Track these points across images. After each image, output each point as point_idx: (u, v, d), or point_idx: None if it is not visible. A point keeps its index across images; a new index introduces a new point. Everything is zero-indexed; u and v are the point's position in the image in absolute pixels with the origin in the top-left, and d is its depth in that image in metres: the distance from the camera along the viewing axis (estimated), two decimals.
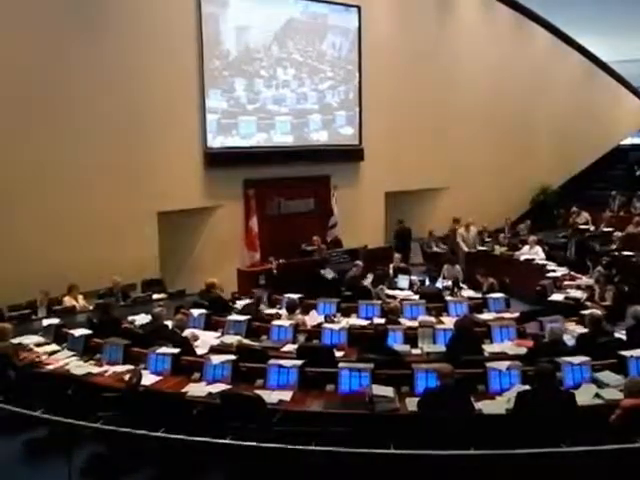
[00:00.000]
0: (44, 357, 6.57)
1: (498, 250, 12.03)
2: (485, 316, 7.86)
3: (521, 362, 5.51)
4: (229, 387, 5.58)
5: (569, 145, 17.56)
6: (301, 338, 7.12)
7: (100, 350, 6.55)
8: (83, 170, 9.98)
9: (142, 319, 8.05)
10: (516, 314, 7.78)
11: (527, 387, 5.01)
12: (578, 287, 8.89)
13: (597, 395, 5.01)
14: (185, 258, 11.82)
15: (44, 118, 9.49)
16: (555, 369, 4.94)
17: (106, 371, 6.16)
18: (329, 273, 10.74)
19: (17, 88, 9.14)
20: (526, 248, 11.50)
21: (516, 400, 4.76)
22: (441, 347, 6.52)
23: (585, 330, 6.42)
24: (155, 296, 9.60)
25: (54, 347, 6.90)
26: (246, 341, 6.98)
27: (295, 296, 8.62)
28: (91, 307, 8.87)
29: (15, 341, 6.72)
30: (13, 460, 5.26)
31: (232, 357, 5.93)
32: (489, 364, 5.42)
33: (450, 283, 9.67)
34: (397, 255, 11.18)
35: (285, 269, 11.14)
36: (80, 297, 9.13)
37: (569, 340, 6.26)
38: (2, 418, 5.49)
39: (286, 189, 12.68)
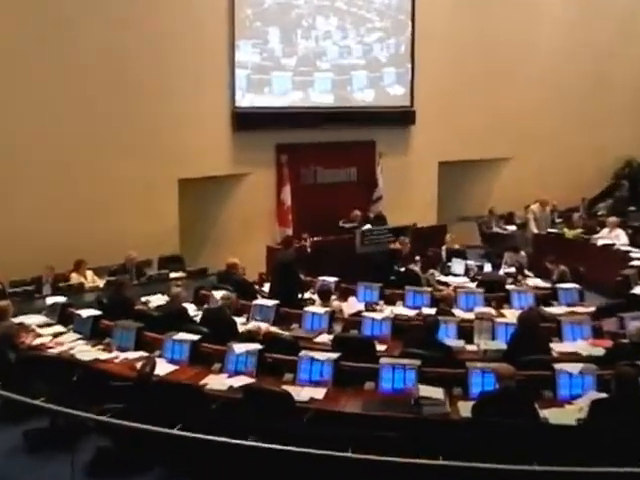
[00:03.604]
0: (47, 340, 6.67)
1: (571, 233, 11.93)
2: (554, 310, 7.82)
3: (597, 365, 5.45)
4: (253, 381, 5.62)
5: None
6: (337, 328, 7.14)
7: (110, 334, 6.62)
8: (92, 131, 10.11)
9: (157, 300, 8.18)
10: (591, 308, 7.72)
11: (603, 395, 4.97)
12: None
13: None
14: (208, 232, 11.96)
15: (47, 76, 9.59)
16: (638, 374, 4.84)
17: (116, 357, 6.22)
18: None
19: (21, 40, 9.29)
20: (605, 231, 11.39)
21: (590, 409, 4.71)
22: (501, 344, 6.48)
23: None
24: (173, 274, 9.74)
25: (59, 329, 7.01)
26: (274, 329, 7.04)
27: (331, 279, 8.70)
28: (101, 285, 9.08)
29: (16, 321, 6.88)
30: (11, 452, 5.40)
31: (258, 347, 5.95)
32: (558, 366, 5.36)
33: (513, 270, 9.65)
34: (449, 236, 11.24)
35: (320, 248, 11.24)
36: (89, 273, 9.29)
37: None
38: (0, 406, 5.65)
39: (324, 156, 12.74)
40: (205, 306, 7.81)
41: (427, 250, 10.76)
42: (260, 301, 7.84)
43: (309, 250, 11.16)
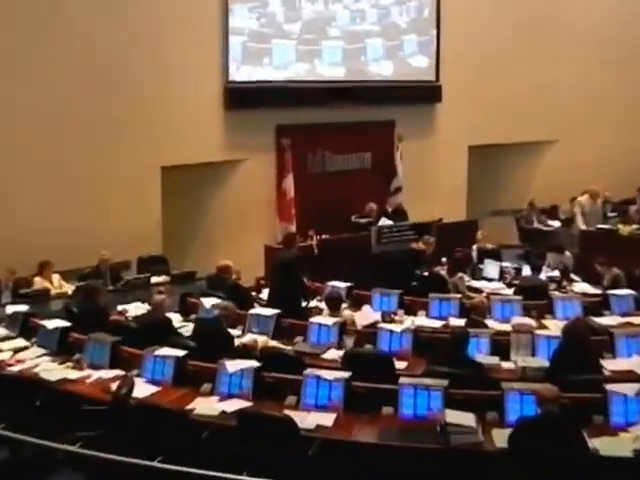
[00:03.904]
0: (7, 356, 6.65)
1: (626, 229, 11.91)
2: (606, 320, 7.75)
3: None
4: (249, 405, 5.61)
5: None
6: (349, 342, 7.14)
7: (80, 349, 6.60)
8: (55, 111, 10.02)
9: (136, 308, 8.18)
10: None
11: None
12: None
13: None
14: (196, 230, 12.02)
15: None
16: None
17: (88, 377, 6.19)
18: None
19: None
20: None
21: None
22: (543, 361, 6.45)
23: None
24: (155, 279, 9.79)
25: (20, 342, 6.99)
26: (274, 343, 7.05)
27: (341, 285, 8.72)
28: (70, 291, 9.09)
29: None
30: None
31: (254, 364, 5.93)
32: (610, 387, 5.32)
33: (557, 273, 9.61)
34: (481, 233, 11.27)
35: (329, 248, 11.27)
36: (55, 277, 9.30)
37: None
38: None
39: (334, 139, 12.78)
40: (196, 316, 7.86)
41: (455, 250, 10.74)
42: (257, 310, 7.84)
43: (316, 250, 11.17)
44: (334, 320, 7.38)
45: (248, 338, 7.06)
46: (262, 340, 7.06)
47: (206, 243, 11.82)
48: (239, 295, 8.45)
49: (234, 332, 7.23)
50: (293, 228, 11.85)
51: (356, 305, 8.29)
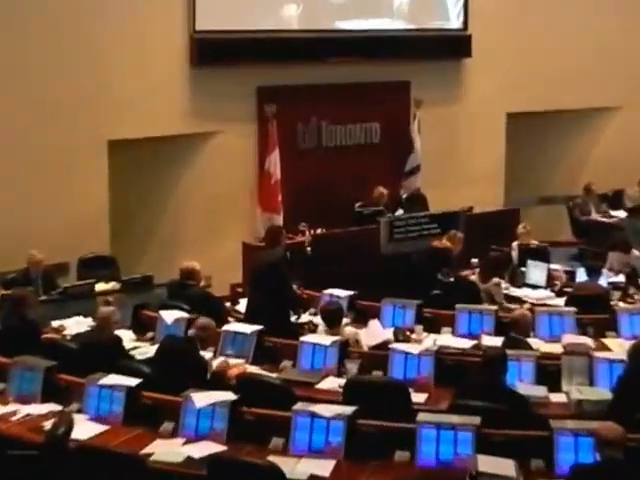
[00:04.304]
0: None
1: None
2: None
3: None
4: (223, 449, 5.60)
5: None
6: (352, 367, 7.11)
7: (5, 376, 6.59)
8: None
9: (77, 324, 8.20)
10: None
11: None
12: None
13: None
14: (154, 222, 12.07)
15: None
16: None
17: (14, 413, 6.16)
18: None
19: None
20: None
21: None
22: (603, 392, 6.45)
23: None
24: (101, 286, 9.77)
25: None
26: (255, 369, 7.08)
27: (342, 294, 8.76)
28: None
29: None
30: None
31: (230, 397, 5.94)
32: None
33: (622, 278, 9.59)
34: (523, 227, 11.25)
35: (326, 246, 11.18)
36: None
37: None
38: None
39: (332, 106, 12.78)
40: (157, 334, 7.89)
41: (490, 249, 10.79)
42: (233, 326, 7.88)
43: (309, 249, 11.05)
44: (333, 339, 7.35)
45: (220, 363, 7.11)
46: (239, 365, 7.08)
47: (166, 240, 11.86)
48: (209, 307, 8.42)
49: (203, 355, 7.24)
50: (279, 220, 11.84)
51: (361, 320, 8.33)
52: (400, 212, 11.99)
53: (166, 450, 5.58)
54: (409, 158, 13.09)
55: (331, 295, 8.78)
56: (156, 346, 7.52)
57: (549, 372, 6.84)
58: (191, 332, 7.29)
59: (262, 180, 12.21)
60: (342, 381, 6.73)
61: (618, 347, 7.36)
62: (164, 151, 11.86)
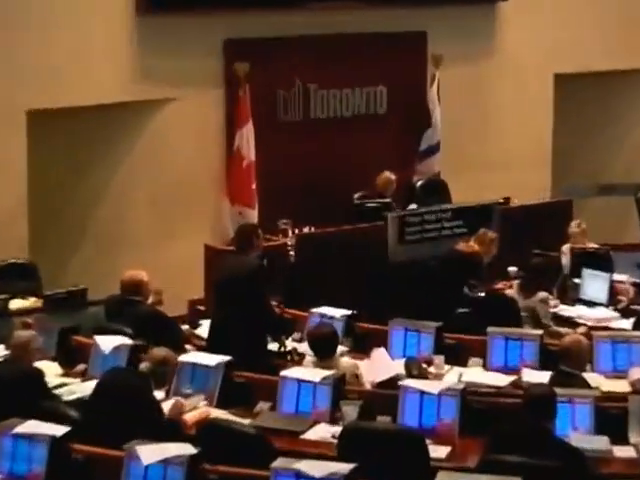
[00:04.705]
0: None
1: None
2: None
3: None
4: None
5: None
6: (350, 411, 7.02)
7: None
8: None
9: None
10: None
11: None
12: None
13: None
14: (87, 217, 12.02)
15: None
16: None
17: None
18: None
19: None
20: None
21: None
22: None
23: None
24: (17, 303, 9.84)
25: None
26: (221, 413, 7.08)
27: (337, 313, 8.81)
28: None
29: None
30: None
31: (187, 450, 5.84)
32: None
33: None
34: (577, 224, 11.21)
35: (316, 249, 11.13)
36: None
37: None
38: None
39: (323, 65, 12.74)
40: (90, 367, 7.89)
41: (532, 253, 10.72)
42: (192, 357, 7.88)
43: (293, 255, 11.05)
44: (324, 374, 7.28)
45: (174, 403, 7.10)
46: (200, 408, 7.11)
47: (103, 241, 11.77)
48: (160, 330, 8.48)
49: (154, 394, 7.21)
50: (254, 216, 11.88)
51: (362, 348, 8.35)
52: (413, 206, 11.97)
53: None
54: (425, 134, 13.15)
55: (322, 315, 8.81)
56: (88, 383, 7.49)
57: (612, 418, 6.75)
58: (143, 366, 7.28)
59: (231, 163, 12.21)
60: (337, 429, 6.65)
61: None
62: (101, 125, 11.81)
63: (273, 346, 8.61)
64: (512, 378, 7.80)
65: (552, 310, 9.65)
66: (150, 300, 9.09)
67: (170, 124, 12.06)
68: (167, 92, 12.00)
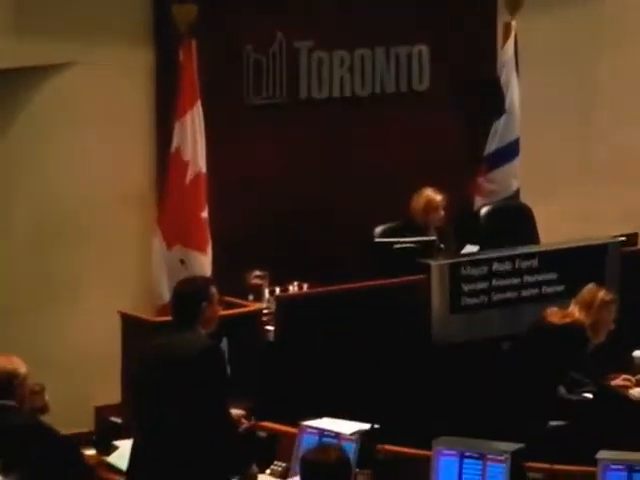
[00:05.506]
0: None
1: None
2: None
3: None
4: None
5: None
6: None
7: None
8: None
9: None
10: None
11: None
12: None
13: None
14: None
15: None
16: None
17: None
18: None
19: None
20: None
21: None
22: None
23: None
24: None
25: None
26: None
27: (346, 427, 7.70)
28: None
29: None
30: None
31: None
32: None
33: None
34: None
35: (310, 318, 9.23)
36: None
37: None
38: None
39: (323, 9, 10.46)
40: None
41: None
42: None
43: (270, 329, 9.16)
44: None
45: None
46: None
47: None
48: (46, 454, 6.88)
49: None
50: (205, 264, 9.68)
51: None
52: (474, 247, 9.77)
53: None
54: (495, 125, 10.76)
55: (322, 431, 7.17)
56: None
57: None
58: None
59: (167, 174, 9.70)
60: None
61: None
62: None
63: None
64: None
65: None
66: (26, 404, 7.08)
67: (65, 105, 9.74)
68: (61, 54, 9.77)
